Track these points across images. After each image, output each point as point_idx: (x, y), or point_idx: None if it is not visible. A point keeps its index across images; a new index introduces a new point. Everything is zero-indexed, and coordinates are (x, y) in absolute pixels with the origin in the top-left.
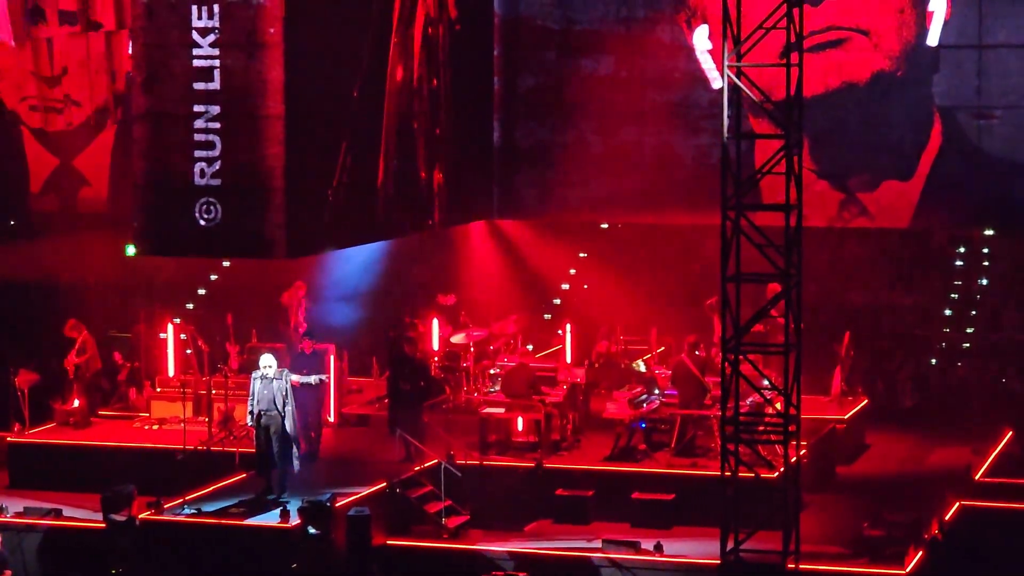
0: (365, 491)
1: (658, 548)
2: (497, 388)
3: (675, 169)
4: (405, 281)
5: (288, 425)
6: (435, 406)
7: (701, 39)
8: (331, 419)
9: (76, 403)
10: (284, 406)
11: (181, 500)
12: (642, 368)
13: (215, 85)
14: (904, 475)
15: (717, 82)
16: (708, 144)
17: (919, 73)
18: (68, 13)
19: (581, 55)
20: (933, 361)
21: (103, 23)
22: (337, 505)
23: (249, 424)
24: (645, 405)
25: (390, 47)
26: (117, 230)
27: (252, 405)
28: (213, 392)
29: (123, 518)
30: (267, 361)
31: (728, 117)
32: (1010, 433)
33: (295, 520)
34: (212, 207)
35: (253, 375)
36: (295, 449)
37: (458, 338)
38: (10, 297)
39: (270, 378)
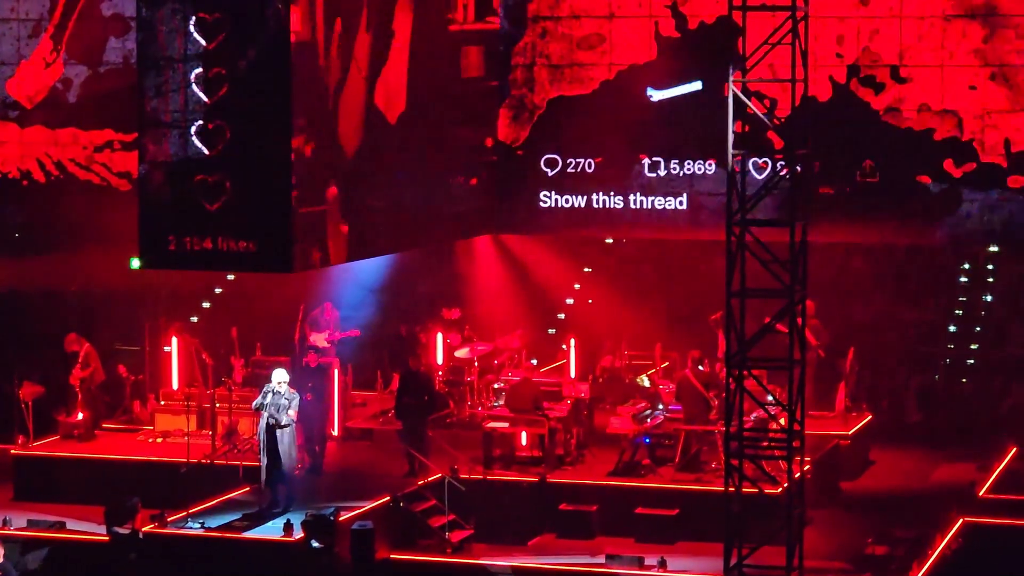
0: (369, 505)
1: (662, 563)
2: (501, 402)
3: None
4: (410, 295)
5: (285, 446)
6: (439, 420)
7: None
8: (335, 433)
9: (80, 415)
10: (284, 424)
11: (185, 513)
12: (646, 383)
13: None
14: (908, 491)
15: None
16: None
17: None
18: None
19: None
20: (937, 377)
21: None
22: (341, 519)
23: (254, 408)
24: (649, 420)
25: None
26: (122, 242)
27: (260, 401)
28: (217, 405)
29: (127, 531)
30: (279, 377)
31: (733, 132)
32: (1014, 449)
33: (299, 534)
34: (218, 220)
35: (266, 388)
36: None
37: (462, 352)
38: (15, 309)
39: (281, 393)
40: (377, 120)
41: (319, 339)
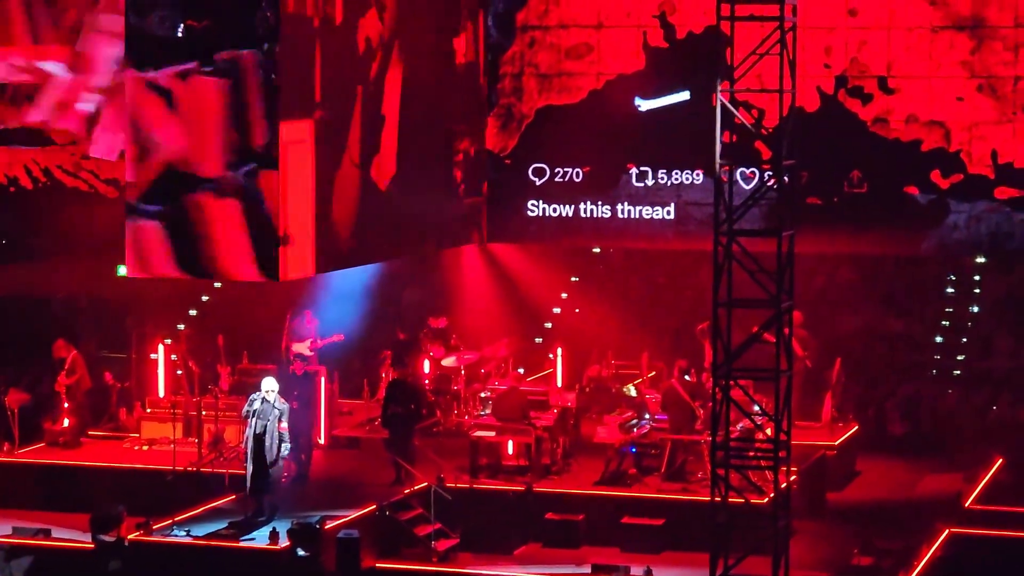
0: (355, 513)
1: (648, 573)
2: (488, 411)
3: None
4: (397, 304)
5: (273, 455)
6: (426, 429)
7: None
8: (321, 441)
9: (66, 423)
10: (276, 433)
11: (170, 521)
12: (633, 393)
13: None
14: (894, 502)
15: None
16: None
17: None
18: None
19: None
20: (924, 388)
21: None
22: (327, 527)
23: (242, 415)
24: (635, 430)
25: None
26: (109, 250)
27: (248, 408)
28: (203, 413)
29: (112, 539)
30: (268, 386)
31: (720, 142)
32: (1000, 461)
33: (284, 542)
34: (207, 228)
35: (253, 396)
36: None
37: (449, 361)
38: (1, 316)
39: (271, 403)
40: (371, 191)
41: (302, 348)
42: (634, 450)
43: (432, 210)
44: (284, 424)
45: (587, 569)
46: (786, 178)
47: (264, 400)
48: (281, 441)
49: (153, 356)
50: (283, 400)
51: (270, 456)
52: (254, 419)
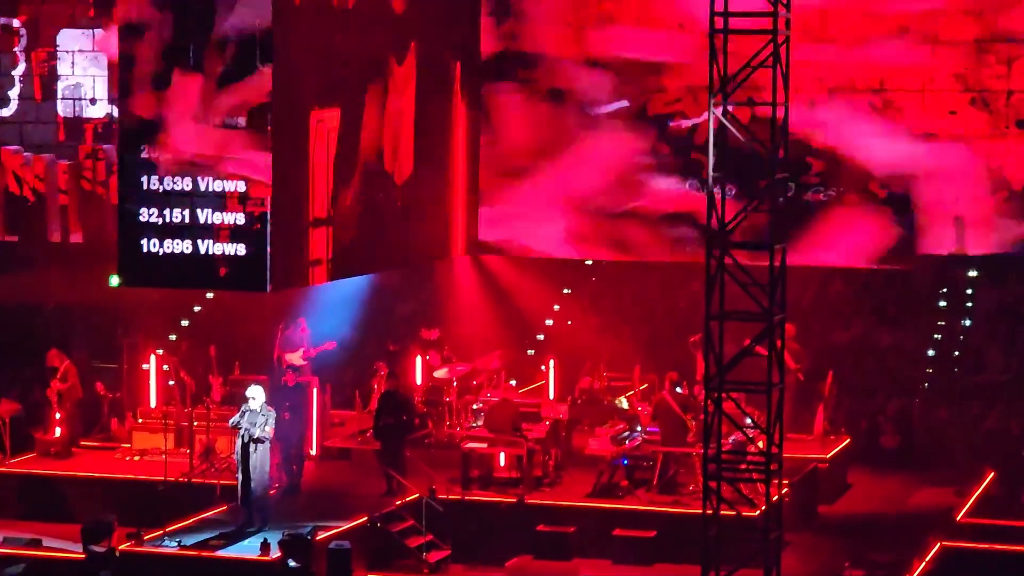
0: (346, 525)
1: None
2: (480, 423)
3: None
4: (389, 315)
5: (257, 463)
6: (417, 440)
7: None
8: (313, 452)
9: (57, 433)
10: (260, 441)
11: (161, 532)
12: (625, 405)
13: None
14: (886, 515)
15: None
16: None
17: None
18: None
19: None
20: (916, 401)
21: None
22: (318, 538)
23: (230, 425)
24: (627, 442)
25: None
26: (101, 260)
27: (236, 419)
28: (195, 424)
29: (103, 549)
30: (254, 394)
31: (713, 155)
32: (992, 474)
33: (276, 553)
34: (198, 240)
35: (244, 407)
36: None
37: (441, 373)
38: None
39: (256, 411)
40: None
41: (294, 357)
42: (626, 462)
43: (436, 218)
44: (268, 428)
45: None
46: (778, 191)
47: (250, 410)
48: (261, 440)
49: (145, 366)
50: (269, 408)
51: (254, 465)
52: (242, 430)
